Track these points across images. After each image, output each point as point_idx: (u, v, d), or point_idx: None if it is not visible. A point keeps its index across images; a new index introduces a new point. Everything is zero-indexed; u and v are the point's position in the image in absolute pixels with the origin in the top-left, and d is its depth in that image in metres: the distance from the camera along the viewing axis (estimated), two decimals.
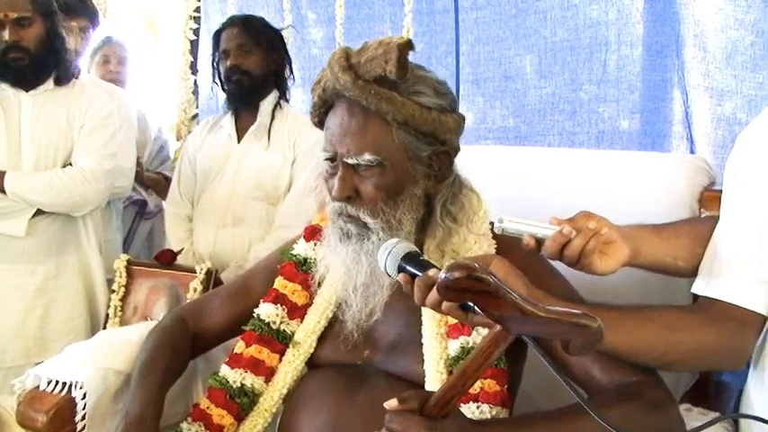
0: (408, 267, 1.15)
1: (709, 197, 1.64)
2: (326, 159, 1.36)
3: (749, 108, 2.22)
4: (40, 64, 2.44)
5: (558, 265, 1.30)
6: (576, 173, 1.84)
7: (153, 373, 1.50)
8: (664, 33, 2.39)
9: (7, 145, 2.41)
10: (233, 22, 2.73)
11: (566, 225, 1.23)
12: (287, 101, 2.78)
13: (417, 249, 1.19)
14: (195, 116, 3.37)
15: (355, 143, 1.31)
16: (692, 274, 1.34)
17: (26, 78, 2.43)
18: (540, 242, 1.25)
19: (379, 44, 1.30)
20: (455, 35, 2.84)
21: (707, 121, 2.33)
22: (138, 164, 2.99)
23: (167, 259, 2.47)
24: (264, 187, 2.63)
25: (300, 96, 3.18)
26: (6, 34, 2.35)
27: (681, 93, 2.39)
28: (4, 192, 2.36)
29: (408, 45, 1.28)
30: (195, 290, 2.35)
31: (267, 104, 2.71)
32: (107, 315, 2.49)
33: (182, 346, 1.60)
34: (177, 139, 3.37)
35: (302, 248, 1.60)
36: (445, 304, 1.06)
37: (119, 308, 2.46)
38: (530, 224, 1.25)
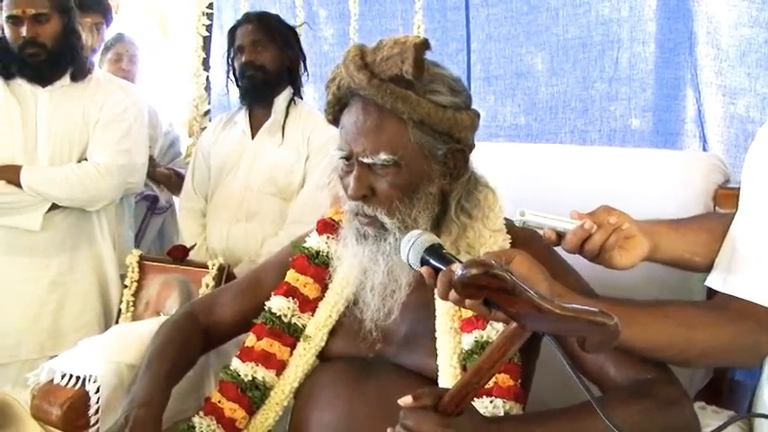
0: (432, 260, 1.14)
1: (724, 195, 1.64)
2: (342, 158, 1.37)
3: (762, 106, 2.21)
4: (57, 60, 2.47)
5: (574, 258, 1.30)
6: (591, 170, 1.84)
7: (161, 363, 1.50)
8: (676, 31, 2.38)
9: (23, 140, 2.44)
10: (248, 18, 2.74)
11: (587, 220, 1.23)
12: (301, 97, 2.80)
13: (440, 241, 1.19)
14: (207, 112, 3.38)
15: (371, 143, 1.31)
16: (709, 269, 1.34)
17: (42, 74, 2.46)
18: (560, 236, 1.25)
19: (395, 43, 1.30)
20: (466, 32, 2.84)
21: (719, 119, 2.32)
22: (150, 159, 3.00)
23: (180, 255, 2.48)
24: (278, 183, 2.64)
25: (312, 93, 3.19)
26: (24, 30, 2.39)
27: (693, 91, 2.38)
28: (20, 186, 2.38)
29: (425, 45, 1.29)
30: (207, 285, 2.36)
31: (281, 101, 2.72)
32: (119, 310, 2.50)
33: (192, 340, 1.60)
34: (189, 136, 3.38)
35: (315, 241, 1.59)
36: (468, 300, 1.06)
37: (131, 303, 2.47)
38: (551, 218, 1.26)
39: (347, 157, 1.35)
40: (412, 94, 1.29)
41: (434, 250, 1.16)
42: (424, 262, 1.16)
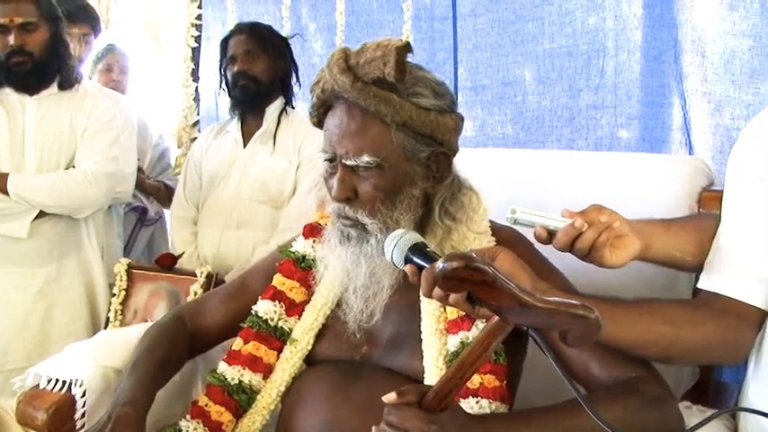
0: (415, 259, 1.14)
1: (708, 197, 1.65)
2: (326, 160, 1.38)
3: (747, 114, 2.23)
4: (43, 69, 2.47)
5: (564, 257, 1.31)
6: (577, 175, 1.84)
7: (147, 364, 1.50)
8: (661, 39, 2.41)
9: (10, 148, 2.44)
10: (241, 29, 2.78)
11: (578, 218, 1.24)
12: (293, 107, 2.82)
13: (423, 240, 1.19)
14: (196, 123, 3.40)
15: (354, 144, 1.32)
16: (700, 268, 1.35)
17: (29, 83, 2.47)
18: (551, 234, 1.25)
19: (378, 46, 1.31)
20: (453, 42, 2.86)
21: (705, 126, 2.34)
22: (140, 170, 3.01)
23: (168, 263, 2.49)
24: (269, 191, 2.66)
25: (300, 105, 3.20)
26: (11, 39, 2.39)
27: (679, 99, 2.40)
28: (6, 193, 2.38)
29: (407, 48, 1.30)
30: (195, 293, 2.36)
31: (273, 110, 2.76)
32: (107, 318, 2.49)
33: (178, 343, 1.59)
34: (178, 147, 3.39)
35: (301, 246, 1.60)
36: (452, 296, 1.06)
37: (119, 311, 2.47)
38: (542, 216, 1.26)
39: (331, 159, 1.36)
40: (394, 96, 1.30)
41: (418, 249, 1.16)
42: (407, 260, 1.16)
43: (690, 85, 2.35)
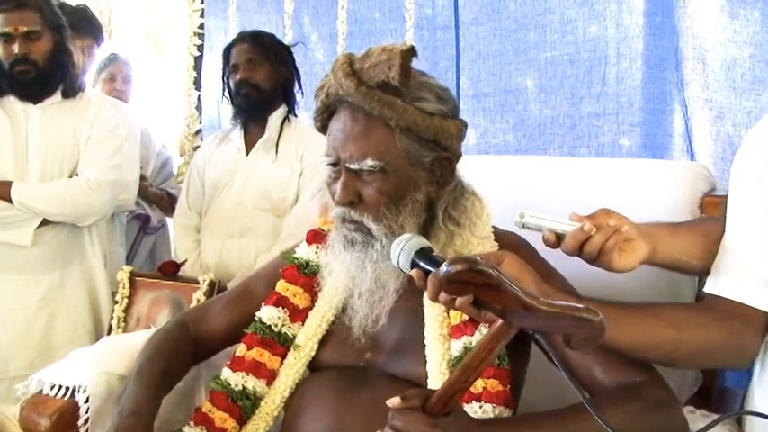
0: (421, 263, 1.14)
1: (710, 203, 1.65)
2: (329, 164, 1.38)
3: (748, 121, 2.24)
4: (47, 77, 2.48)
5: (570, 260, 1.31)
6: (579, 182, 1.85)
7: (151, 372, 1.50)
8: (663, 47, 2.41)
9: (14, 156, 2.45)
10: (243, 37, 2.78)
11: (586, 222, 1.24)
12: (295, 115, 2.83)
13: (430, 244, 1.19)
14: (199, 131, 3.41)
15: (358, 148, 1.32)
16: (706, 272, 1.34)
17: (33, 91, 2.48)
18: (559, 238, 1.25)
19: (383, 50, 1.32)
20: (456, 51, 2.87)
21: (706, 133, 2.34)
22: (143, 179, 3.02)
23: (170, 270, 2.49)
24: (271, 198, 2.67)
25: (302, 113, 3.21)
26: (16, 47, 2.40)
27: (680, 106, 2.41)
28: (10, 201, 2.39)
29: (411, 52, 1.31)
30: (198, 301, 2.36)
31: (276, 118, 2.76)
32: (110, 326, 2.50)
33: (182, 349, 1.59)
34: (180, 155, 3.40)
35: (304, 252, 1.60)
36: (458, 300, 1.05)
37: (122, 319, 2.48)
38: (550, 220, 1.26)
39: (334, 164, 1.36)
40: (398, 100, 1.30)
41: (425, 253, 1.16)
42: (414, 265, 1.16)
43: (691, 92, 2.35)
